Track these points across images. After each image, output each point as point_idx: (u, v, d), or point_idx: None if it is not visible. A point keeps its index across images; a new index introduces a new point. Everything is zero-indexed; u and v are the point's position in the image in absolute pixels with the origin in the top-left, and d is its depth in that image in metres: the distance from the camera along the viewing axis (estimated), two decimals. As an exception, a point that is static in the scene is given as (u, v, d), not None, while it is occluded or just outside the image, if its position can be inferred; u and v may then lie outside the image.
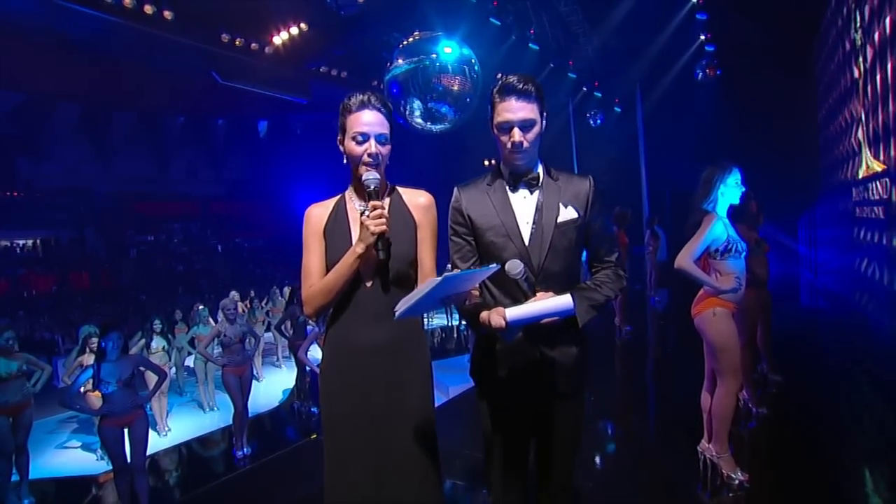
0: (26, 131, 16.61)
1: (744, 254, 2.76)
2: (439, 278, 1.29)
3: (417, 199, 1.70)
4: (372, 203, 1.53)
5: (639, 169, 13.42)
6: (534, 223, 1.57)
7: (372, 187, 1.56)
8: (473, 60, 5.52)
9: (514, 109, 1.50)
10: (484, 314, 1.43)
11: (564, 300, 1.41)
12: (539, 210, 1.57)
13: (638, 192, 13.28)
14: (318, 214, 1.69)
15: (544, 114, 1.57)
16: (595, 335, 6.79)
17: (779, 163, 11.45)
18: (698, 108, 12.33)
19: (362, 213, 1.57)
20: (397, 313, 1.36)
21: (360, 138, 1.58)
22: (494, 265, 1.39)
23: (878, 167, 6.32)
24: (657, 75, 12.79)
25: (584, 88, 13.55)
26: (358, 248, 1.54)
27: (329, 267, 1.63)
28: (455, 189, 1.65)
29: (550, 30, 11.12)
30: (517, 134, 1.51)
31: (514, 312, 1.40)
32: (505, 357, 1.58)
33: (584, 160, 13.97)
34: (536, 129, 1.54)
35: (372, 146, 1.58)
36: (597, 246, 1.65)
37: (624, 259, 6.65)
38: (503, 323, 1.39)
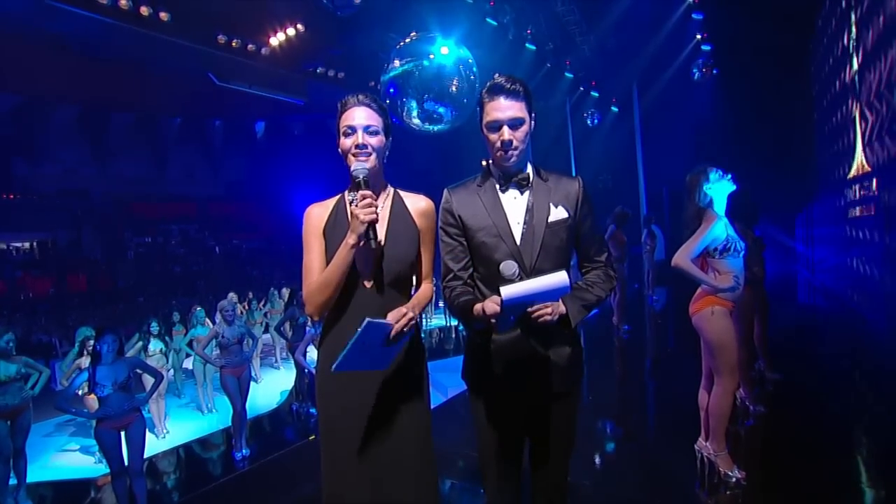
0: (23, 133, 16.56)
1: (742, 252, 2.77)
2: (363, 324, 1.39)
3: (419, 204, 1.72)
4: (361, 192, 1.52)
5: (636, 168, 13.44)
6: (525, 223, 1.57)
7: (360, 177, 1.56)
8: (470, 61, 5.53)
9: (503, 108, 1.51)
10: (478, 306, 1.42)
11: (560, 276, 1.35)
12: (530, 210, 1.57)
13: (635, 191, 13.30)
14: (317, 214, 1.70)
15: (532, 114, 1.57)
16: (593, 334, 6.80)
17: (776, 161, 11.50)
18: (695, 108, 12.37)
19: (351, 203, 1.56)
20: (333, 368, 1.44)
21: (348, 132, 1.61)
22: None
23: (867, 167, 6.36)
24: (654, 75, 12.83)
25: (581, 88, 13.58)
26: (350, 239, 1.53)
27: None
28: (445, 191, 1.66)
29: (547, 30, 11.13)
30: (506, 132, 1.51)
31: (510, 290, 1.35)
32: (497, 357, 1.58)
33: (581, 160, 14.00)
34: (525, 128, 1.54)
35: (359, 137, 1.60)
36: (587, 246, 1.65)
37: (623, 258, 6.68)
38: (497, 308, 1.37)
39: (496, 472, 1.66)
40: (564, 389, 1.61)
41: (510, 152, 1.53)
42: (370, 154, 1.61)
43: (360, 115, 1.61)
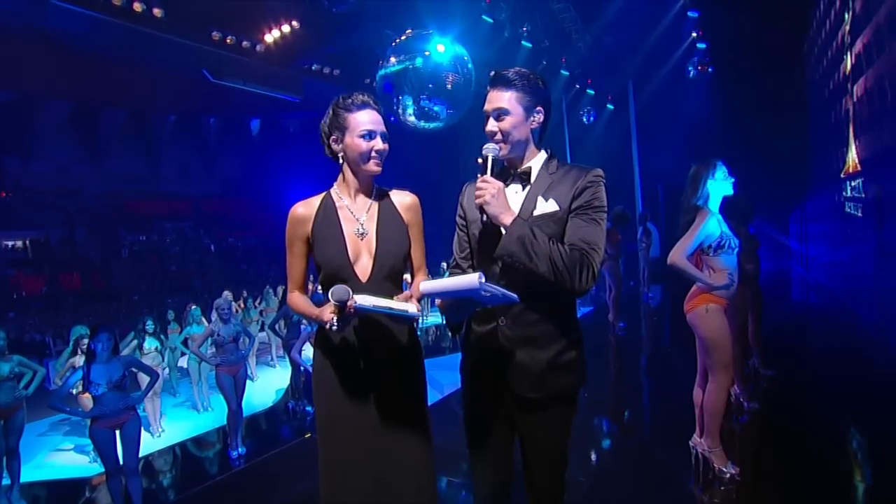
0: (14, 130, 16.41)
1: (737, 250, 2.78)
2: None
3: (404, 200, 1.75)
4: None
5: (632, 165, 13.46)
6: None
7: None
8: (466, 58, 5.51)
9: (490, 99, 1.52)
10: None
11: (470, 277, 1.31)
12: (523, 204, 1.54)
13: (631, 188, 13.33)
14: (302, 215, 1.69)
15: (537, 108, 1.53)
16: (589, 331, 6.82)
17: (770, 158, 11.56)
18: (690, 105, 12.41)
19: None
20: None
21: (365, 134, 1.62)
22: None
23: (860, 164, 6.41)
24: (649, 72, 12.85)
25: (577, 86, 13.59)
26: (320, 318, 1.53)
27: (322, 264, 1.66)
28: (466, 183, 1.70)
29: (543, 27, 11.12)
30: (491, 123, 1.51)
31: (426, 285, 1.42)
32: (489, 356, 1.55)
33: (576, 157, 14.00)
34: (511, 119, 1.50)
35: (379, 143, 1.63)
36: (571, 232, 1.48)
37: (618, 256, 6.70)
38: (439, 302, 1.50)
39: (486, 472, 1.63)
40: (557, 391, 1.52)
41: (493, 143, 1.51)
42: (383, 159, 1.67)
43: (378, 121, 1.65)
